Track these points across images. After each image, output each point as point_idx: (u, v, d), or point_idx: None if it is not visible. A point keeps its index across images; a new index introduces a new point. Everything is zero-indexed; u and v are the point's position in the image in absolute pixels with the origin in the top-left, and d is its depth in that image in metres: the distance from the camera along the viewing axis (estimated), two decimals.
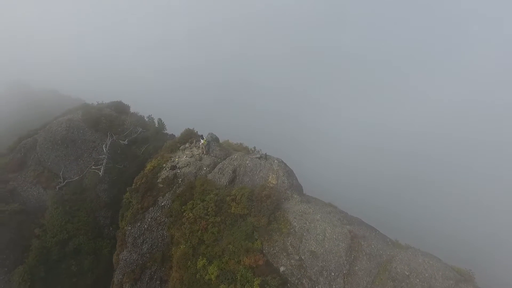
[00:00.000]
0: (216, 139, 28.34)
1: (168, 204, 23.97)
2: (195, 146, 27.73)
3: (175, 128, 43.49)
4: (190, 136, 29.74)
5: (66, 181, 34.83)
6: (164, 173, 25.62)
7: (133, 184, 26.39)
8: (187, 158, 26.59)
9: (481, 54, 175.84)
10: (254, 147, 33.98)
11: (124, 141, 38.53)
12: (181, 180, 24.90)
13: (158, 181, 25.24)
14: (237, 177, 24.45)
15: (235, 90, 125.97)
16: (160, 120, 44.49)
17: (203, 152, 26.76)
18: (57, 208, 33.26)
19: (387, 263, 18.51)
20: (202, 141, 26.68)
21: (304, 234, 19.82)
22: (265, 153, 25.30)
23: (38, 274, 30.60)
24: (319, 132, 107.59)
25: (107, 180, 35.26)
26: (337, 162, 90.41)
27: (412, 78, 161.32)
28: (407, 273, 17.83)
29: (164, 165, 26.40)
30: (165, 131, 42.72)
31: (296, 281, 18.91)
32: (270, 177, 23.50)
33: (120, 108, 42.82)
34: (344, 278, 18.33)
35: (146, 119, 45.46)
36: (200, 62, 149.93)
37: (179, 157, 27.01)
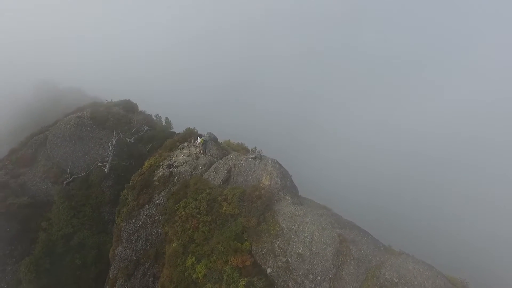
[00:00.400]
0: (214, 139, 28.51)
1: (163, 202, 24.34)
2: (193, 145, 28.01)
3: (183, 127, 43.99)
4: (190, 135, 30.06)
5: (73, 176, 35.96)
6: (160, 171, 26.04)
7: (131, 181, 26.94)
8: (185, 157, 26.90)
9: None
10: (255, 148, 33.86)
11: (131, 139, 39.34)
12: (177, 179, 25.21)
13: (154, 179, 25.68)
14: (232, 177, 24.49)
15: (246, 91, 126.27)
16: (167, 119, 45.19)
17: (199, 151, 26.98)
18: (64, 202, 34.35)
19: (376, 269, 18.01)
20: (199, 140, 26.90)
21: (292, 236, 19.60)
22: (260, 154, 25.19)
23: (43, 266, 31.72)
24: (338, 135, 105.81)
25: (112, 177, 36.15)
26: (357, 165, 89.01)
27: (425, 76, 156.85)
28: (395, 280, 17.28)
29: (161, 163, 26.82)
30: (172, 130, 43.30)
31: (282, 284, 18.73)
32: (264, 177, 23.38)
33: (128, 107, 43.77)
34: (330, 282, 17.99)
35: (154, 118, 46.23)
36: (213, 62, 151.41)
37: (176, 156, 27.37)
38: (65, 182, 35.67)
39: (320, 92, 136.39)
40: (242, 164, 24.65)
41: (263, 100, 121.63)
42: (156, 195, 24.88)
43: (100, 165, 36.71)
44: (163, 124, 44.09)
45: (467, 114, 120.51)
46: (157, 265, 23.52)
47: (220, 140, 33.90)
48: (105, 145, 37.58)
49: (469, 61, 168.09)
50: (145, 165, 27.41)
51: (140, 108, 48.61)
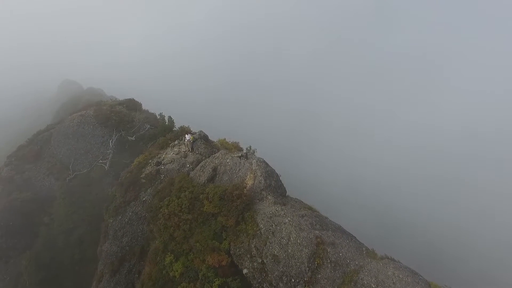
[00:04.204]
0: (204, 137, 28.31)
1: (148, 200, 24.41)
2: (183, 143, 27.94)
3: (191, 126, 44.08)
4: (183, 133, 30.01)
5: (75, 173, 36.95)
6: (148, 169, 26.15)
7: (119, 178, 27.22)
8: (174, 155, 26.89)
9: None
10: (249, 147, 33.48)
11: (132, 137, 39.96)
12: (164, 176, 25.22)
13: (141, 176, 25.81)
14: (217, 176, 24.19)
15: (260, 90, 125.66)
16: (170, 117, 45.51)
17: (188, 149, 26.87)
18: (65, 198, 35.37)
19: (354, 273, 17.12)
20: (187, 137, 26.79)
21: (269, 237, 19.03)
22: (247, 153, 24.74)
23: (43, 260, 32.73)
24: (375, 138, 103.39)
25: (112, 174, 36.84)
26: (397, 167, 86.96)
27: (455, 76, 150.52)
28: (373, 286, 16.34)
29: (150, 161, 26.93)
30: (174, 129, 43.60)
31: (257, 285, 18.20)
32: (248, 176, 22.91)
33: (131, 105, 44.55)
34: (305, 285, 17.28)
35: (158, 117, 46.77)
36: (227, 59, 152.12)
37: (166, 154, 27.41)
38: (67, 178, 36.71)
39: (335, 90, 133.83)
40: (228, 162, 24.29)
41: (276, 98, 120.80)
42: (143, 192, 25.00)
43: (101, 163, 37.53)
44: (166, 123, 44.54)
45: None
46: (142, 262, 23.58)
47: (215, 138, 33.76)
48: (107, 143, 38.40)
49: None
50: (134, 163, 27.63)
51: (145, 107, 49.48)
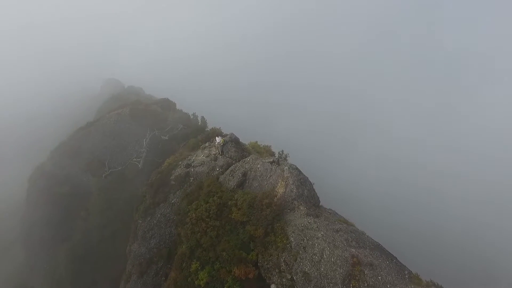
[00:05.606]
0: (235, 140, 27.46)
1: (177, 202, 24.06)
2: (214, 146, 27.33)
3: (224, 127, 43.76)
4: (213, 135, 29.45)
5: (110, 170, 37.95)
6: (178, 171, 25.83)
7: (150, 179, 27.21)
8: (204, 157, 26.36)
9: None
10: (282, 151, 32.17)
11: (165, 136, 40.34)
12: (193, 179, 24.75)
13: (171, 178, 25.55)
14: (247, 181, 23.23)
15: (298, 91, 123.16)
16: (202, 118, 45.54)
17: (218, 152, 26.18)
18: (100, 194, 36.43)
19: None
20: (217, 140, 26.11)
21: (300, 252, 17.65)
22: (279, 158, 23.50)
23: (79, 252, 33.85)
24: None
25: (145, 172, 37.33)
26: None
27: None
28: None
29: (180, 162, 26.61)
30: (206, 129, 43.50)
31: None
32: (279, 184, 21.68)
33: (166, 105, 45.14)
34: None
35: (191, 117, 47.01)
36: (267, 57, 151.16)
37: (196, 156, 26.96)
38: (103, 175, 37.78)
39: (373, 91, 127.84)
40: (259, 168, 23.22)
41: (310, 100, 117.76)
42: (172, 194, 24.71)
43: (135, 161, 38.21)
44: (198, 123, 44.56)
45: None
46: (169, 266, 23.28)
47: (246, 140, 32.84)
48: (141, 141, 39.07)
49: None
50: (165, 164, 27.50)
51: (179, 107, 50.04)
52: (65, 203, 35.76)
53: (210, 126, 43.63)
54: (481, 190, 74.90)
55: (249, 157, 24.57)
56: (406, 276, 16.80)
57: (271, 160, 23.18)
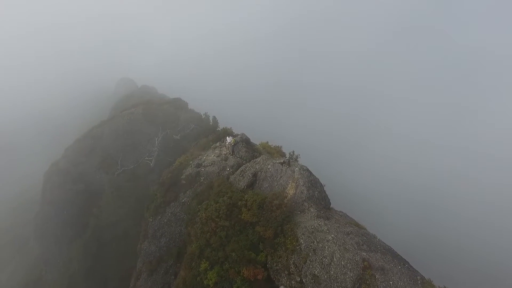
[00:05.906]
0: (246, 140, 27.42)
1: (187, 201, 24.17)
2: (224, 146, 27.35)
3: (235, 127, 43.67)
4: (224, 135, 29.50)
5: (123, 168, 38.46)
6: (188, 170, 25.95)
7: (161, 178, 27.43)
8: (214, 157, 26.41)
9: None
10: (293, 151, 31.95)
11: (177, 135, 40.65)
12: (203, 179, 24.82)
13: (182, 177, 25.69)
14: (257, 182, 23.14)
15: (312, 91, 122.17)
16: (214, 117, 45.68)
17: (229, 152, 26.19)
18: (113, 192, 36.95)
19: None
20: (228, 139, 26.12)
21: (310, 254, 17.44)
22: (290, 159, 23.32)
23: (91, 249, 34.40)
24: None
25: (157, 171, 37.69)
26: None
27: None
28: None
29: (191, 162, 26.73)
30: (218, 129, 43.61)
31: None
32: (290, 185, 21.52)
33: (178, 105, 45.48)
34: None
35: (203, 116, 47.22)
36: (280, 58, 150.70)
37: (207, 156, 27.04)
38: (116, 173, 38.34)
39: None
40: (269, 168, 23.10)
41: (323, 100, 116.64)
42: (182, 193, 24.84)
43: (147, 160, 38.62)
44: (210, 123, 44.73)
45: None
46: (178, 264, 23.39)
47: (257, 140, 32.73)
48: (153, 140, 39.48)
49: None
50: (176, 163, 27.69)
51: (191, 106, 50.33)
52: (79, 200, 36.44)
53: (221, 126, 43.83)
54: (500, 195, 72.78)
55: (260, 158, 24.48)
56: (419, 282, 16.38)
57: (282, 161, 23.04)
